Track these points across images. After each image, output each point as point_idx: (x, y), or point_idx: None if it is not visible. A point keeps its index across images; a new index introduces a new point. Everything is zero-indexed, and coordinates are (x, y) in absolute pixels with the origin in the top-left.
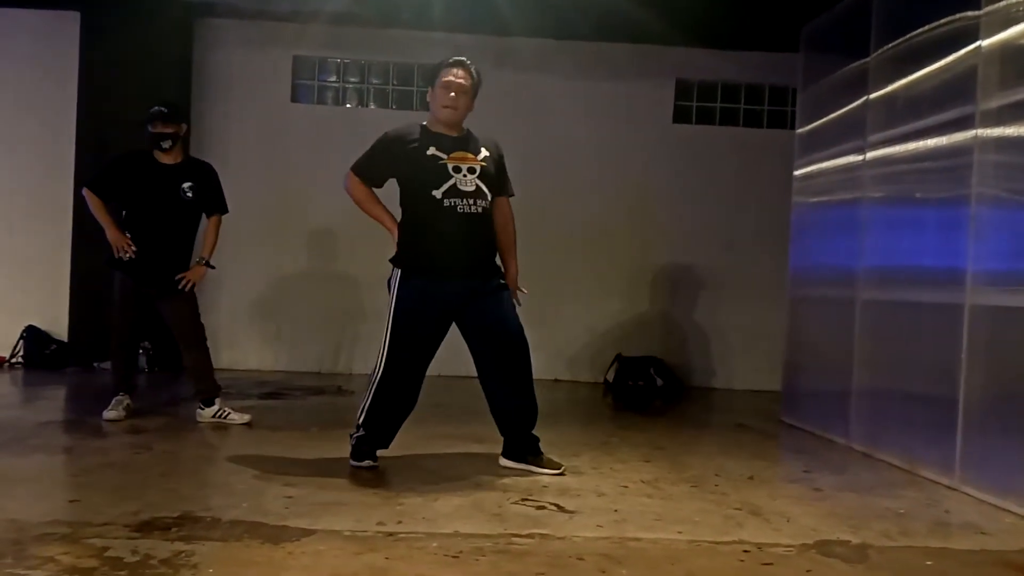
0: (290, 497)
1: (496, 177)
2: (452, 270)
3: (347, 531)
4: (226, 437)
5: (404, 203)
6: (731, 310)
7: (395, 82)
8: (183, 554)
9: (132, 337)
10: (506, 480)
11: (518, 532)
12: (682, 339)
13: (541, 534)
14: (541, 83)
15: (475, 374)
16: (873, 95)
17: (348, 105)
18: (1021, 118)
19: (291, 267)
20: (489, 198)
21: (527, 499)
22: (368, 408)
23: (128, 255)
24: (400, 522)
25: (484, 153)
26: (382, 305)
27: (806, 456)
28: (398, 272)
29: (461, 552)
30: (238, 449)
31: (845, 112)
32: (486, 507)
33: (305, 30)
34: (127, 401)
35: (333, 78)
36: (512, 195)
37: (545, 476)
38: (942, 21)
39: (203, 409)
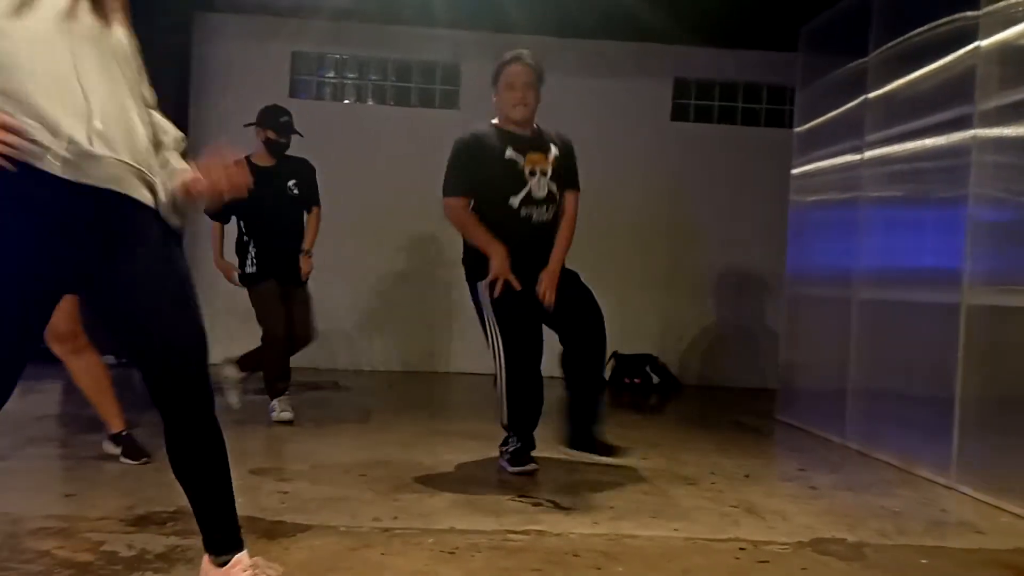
0: (286, 493)
1: (564, 175)
2: (524, 278)
3: (343, 527)
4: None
5: (477, 208)
6: (728, 308)
7: (394, 78)
8: (179, 548)
9: (287, 335)
10: (502, 477)
11: (514, 528)
12: (679, 337)
13: (537, 530)
14: None
15: (471, 371)
16: (872, 95)
17: (347, 101)
18: (1019, 119)
19: None
20: (558, 200)
21: (523, 496)
22: (508, 413)
23: (234, 279)
24: (396, 518)
25: (554, 152)
26: (374, 300)
27: (802, 454)
28: (482, 285)
29: (457, 548)
30: (233, 444)
31: (843, 111)
32: (482, 503)
33: (305, 25)
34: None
35: (332, 74)
36: (578, 189)
37: (598, 462)
38: (941, 21)
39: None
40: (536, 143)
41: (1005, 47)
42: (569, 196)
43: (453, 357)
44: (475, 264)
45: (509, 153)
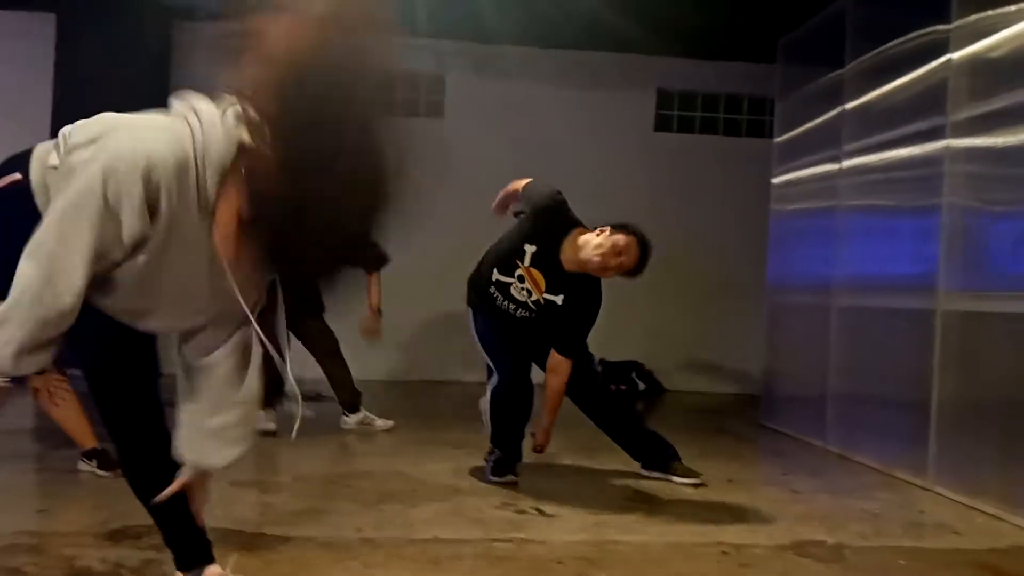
0: (267, 504)
1: (559, 327)
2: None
3: (325, 538)
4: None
5: (489, 249)
6: (711, 315)
7: None
8: (154, 563)
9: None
10: (487, 485)
11: (498, 537)
12: (663, 344)
13: (521, 538)
14: (525, 90)
15: (455, 379)
16: (848, 105)
17: None
18: (990, 129)
19: None
20: (534, 318)
21: (508, 504)
22: (491, 433)
23: None
24: (379, 528)
25: (557, 299)
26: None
27: (784, 459)
28: (471, 309)
29: (440, 558)
30: None
31: (821, 122)
32: (466, 512)
33: None
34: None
35: None
36: (566, 356)
37: (681, 484)
38: (914, 34)
39: (348, 416)
40: (552, 274)
41: (975, 59)
42: (560, 362)
43: (438, 366)
44: (470, 287)
45: (528, 245)
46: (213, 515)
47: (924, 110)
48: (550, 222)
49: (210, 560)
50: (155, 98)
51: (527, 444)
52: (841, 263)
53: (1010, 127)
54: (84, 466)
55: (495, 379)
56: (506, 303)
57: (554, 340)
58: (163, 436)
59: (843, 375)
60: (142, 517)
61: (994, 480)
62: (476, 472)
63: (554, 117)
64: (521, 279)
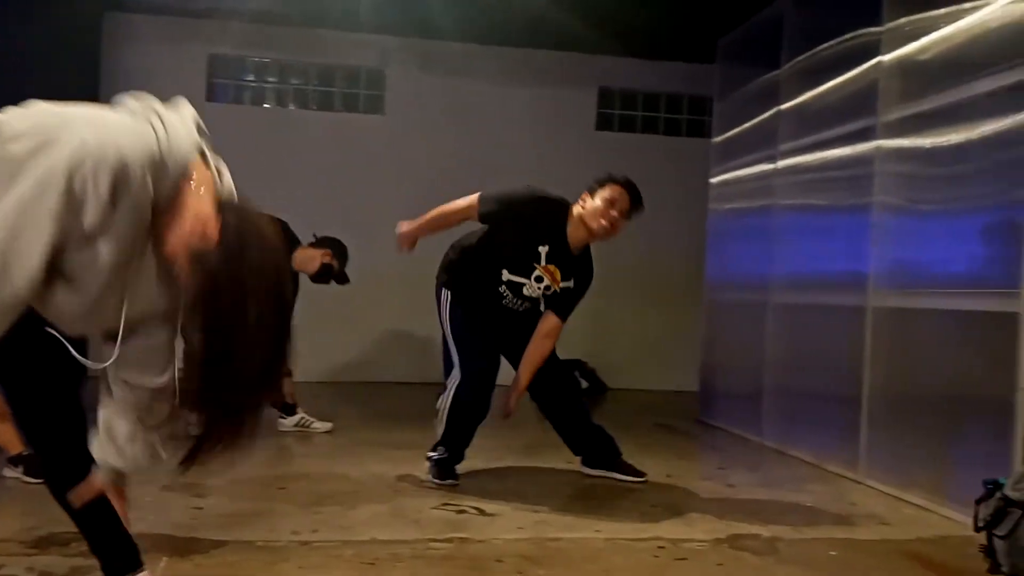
0: (199, 508)
1: (562, 302)
2: (494, 320)
3: (260, 541)
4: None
5: (481, 247)
6: (653, 313)
7: (316, 83)
8: (82, 570)
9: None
10: (426, 486)
11: (437, 537)
12: (605, 342)
13: (460, 538)
14: (468, 87)
15: (398, 380)
16: (784, 106)
17: (267, 106)
18: (918, 130)
19: None
20: (540, 311)
21: (447, 504)
22: (448, 426)
23: None
24: (316, 531)
25: (570, 284)
26: (297, 308)
27: (721, 454)
28: (447, 293)
29: (377, 559)
30: None
31: (758, 122)
32: (405, 513)
33: (223, 27)
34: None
35: (252, 78)
36: (564, 321)
37: (624, 481)
38: (846, 36)
39: (284, 419)
40: (565, 263)
41: (905, 61)
42: (552, 319)
43: (381, 367)
44: (453, 274)
45: (542, 248)
46: (145, 520)
47: (856, 111)
48: (548, 214)
49: (139, 566)
50: (85, 88)
51: (494, 411)
52: (777, 261)
53: (938, 128)
54: (10, 472)
55: (458, 377)
56: (516, 301)
57: (553, 307)
58: (83, 442)
59: (779, 371)
60: (70, 524)
61: (922, 472)
62: (417, 473)
63: (496, 115)
64: (539, 279)
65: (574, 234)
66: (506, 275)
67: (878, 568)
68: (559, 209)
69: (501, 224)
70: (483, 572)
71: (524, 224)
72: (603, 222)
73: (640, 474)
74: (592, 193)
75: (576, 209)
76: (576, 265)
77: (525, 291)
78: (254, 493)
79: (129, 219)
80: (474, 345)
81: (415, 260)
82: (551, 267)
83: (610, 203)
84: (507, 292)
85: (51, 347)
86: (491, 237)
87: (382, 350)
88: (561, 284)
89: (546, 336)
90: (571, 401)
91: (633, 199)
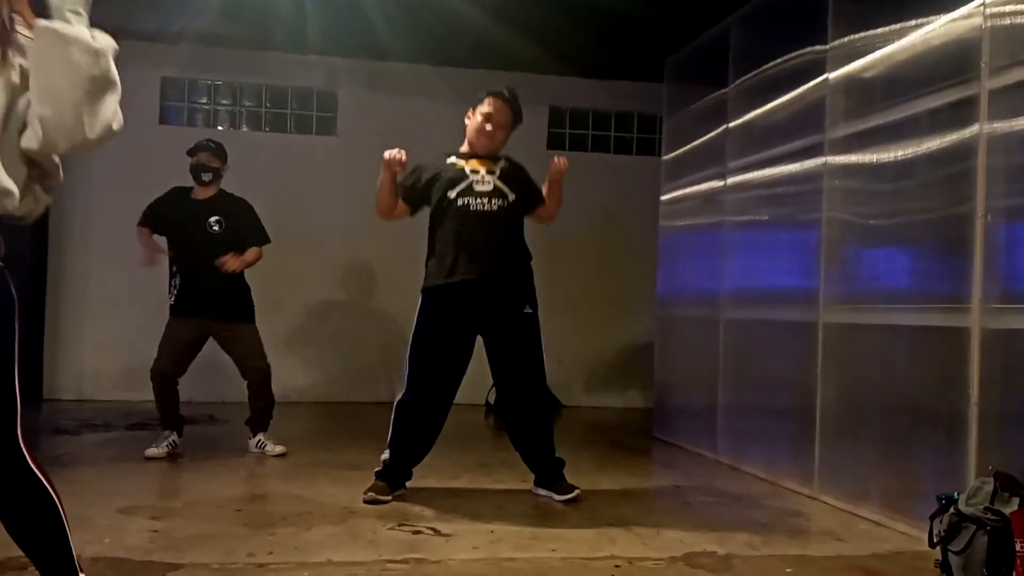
0: (155, 531)
1: (522, 182)
2: (469, 272)
3: (216, 564)
4: (89, 470)
5: (430, 224)
6: (605, 331)
7: (268, 104)
8: None
9: (174, 373)
10: (383, 507)
11: (392, 558)
12: (558, 359)
13: (416, 558)
14: (418, 108)
15: (355, 400)
16: (732, 124)
17: (220, 128)
18: (864, 146)
19: (159, 294)
20: (511, 199)
21: (403, 524)
22: (392, 434)
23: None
24: (271, 553)
25: (507, 164)
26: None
27: (677, 471)
28: (421, 299)
29: None
30: (102, 482)
31: (707, 140)
32: (360, 534)
33: (173, 50)
34: (173, 438)
35: (204, 100)
36: (543, 202)
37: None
38: (793, 55)
39: (251, 438)
40: (483, 157)
41: (850, 79)
42: (546, 208)
43: (337, 387)
44: (427, 270)
45: (452, 159)
46: (101, 543)
47: (804, 128)
48: (443, 154)
49: None
50: None
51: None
52: (728, 277)
53: (884, 144)
54: None
55: (403, 389)
56: (480, 201)
57: (524, 194)
58: (26, 472)
59: (732, 386)
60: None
61: (876, 487)
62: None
63: (447, 135)
64: (475, 171)
65: (472, 149)
66: (452, 194)
67: None
68: (443, 157)
69: (420, 179)
70: None
71: (432, 167)
72: (482, 138)
73: (571, 489)
74: (475, 108)
75: (466, 130)
76: (496, 156)
77: (477, 187)
78: (209, 515)
79: None
80: (425, 362)
81: (364, 280)
82: (474, 161)
83: (487, 118)
84: (466, 199)
85: None
86: (424, 194)
87: (328, 370)
88: (500, 166)
89: (548, 216)
90: (542, 427)
91: (513, 111)
